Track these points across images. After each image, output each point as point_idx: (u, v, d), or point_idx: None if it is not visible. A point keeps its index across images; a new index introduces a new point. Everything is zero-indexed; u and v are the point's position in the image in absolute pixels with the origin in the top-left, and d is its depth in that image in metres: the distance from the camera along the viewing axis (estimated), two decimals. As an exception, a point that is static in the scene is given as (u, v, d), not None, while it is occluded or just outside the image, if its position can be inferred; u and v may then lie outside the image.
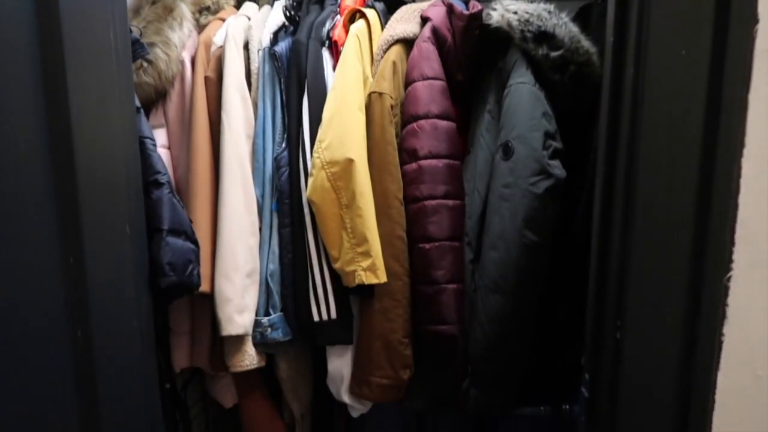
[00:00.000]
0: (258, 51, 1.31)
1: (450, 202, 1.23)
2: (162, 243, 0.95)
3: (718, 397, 0.74)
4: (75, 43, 0.65)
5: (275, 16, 1.36)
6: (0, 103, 0.56)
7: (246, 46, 1.33)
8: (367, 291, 1.24)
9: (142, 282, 0.87)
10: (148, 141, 0.97)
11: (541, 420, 1.35)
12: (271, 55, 1.29)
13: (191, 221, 1.10)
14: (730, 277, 0.71)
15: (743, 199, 0.66)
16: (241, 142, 1.26)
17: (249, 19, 1.36)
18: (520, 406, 1.34)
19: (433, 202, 1.22)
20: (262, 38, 1.32)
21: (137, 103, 0.94)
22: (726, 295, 0.71)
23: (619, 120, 0.74)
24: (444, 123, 1.24)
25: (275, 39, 1.32)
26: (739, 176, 0.65)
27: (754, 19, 0.61)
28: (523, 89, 1.21)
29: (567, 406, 1.32)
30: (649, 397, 0.74)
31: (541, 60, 1.22)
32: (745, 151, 0.64)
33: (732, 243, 0.70)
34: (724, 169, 0.65)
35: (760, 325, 0.72)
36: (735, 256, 0.70)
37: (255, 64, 1.32)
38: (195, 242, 1.06)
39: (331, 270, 1.26)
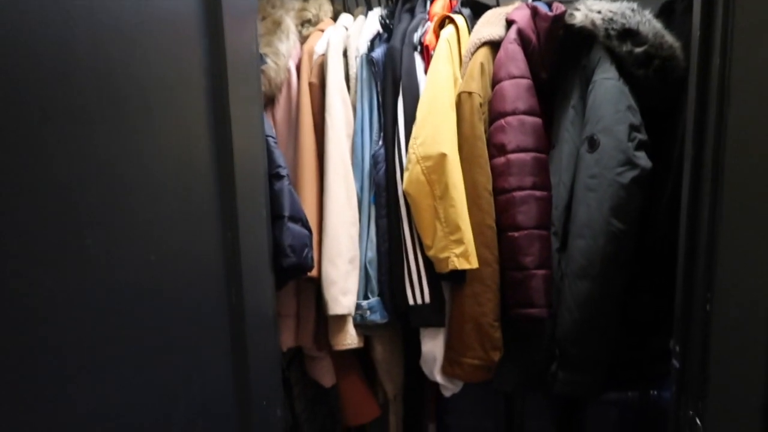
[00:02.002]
0: (356, 57, 1.44)
1: (537, 193, 1.31)
2: (284, 228, 1.09)
3: (809, 364, 0.78)
4: (234, 62, 0.79)
5: (370, 25, 1.49)
6: (182, 117, 0.71)
7: (345, 54, 1.46)
8: (459, 277, 1.34)
9: (271, 260, 1.01)
10: (270, 139, 1.12)
11: (628, 405, 1.39)
12: (368, 60, 1.42)
13: (301, 212, 1.24)
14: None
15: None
16: (343, 141, 1.40)
17: (346, 29, 1.50)
18: (607, 391, 1.39)
19: (522, 193, 1.30)
20: (359, 46, 1.45)
21: (261, 106, 1.08)
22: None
23: (707, 107, 0.80)
24: (531, 119, 1.32)
25: (371, 46, 1.44)
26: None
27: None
28: (607, 84, 1.27)
29: (655, 392, 1.36)
30: (740, 366, 0.79)
31: (624, 56, 1.28)
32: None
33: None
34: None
35: None
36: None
37: (353, 70, 1.44)
38: (309, 229, 1.19)
39: (425, 257, 1.36)
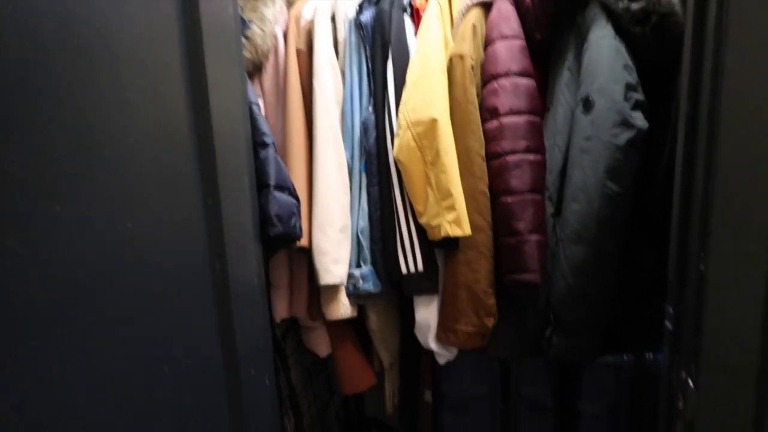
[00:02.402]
0: (344, 22, 1.40)
1: (531, 157, 1.28)
2: (270, 197, 1.06)
3: (804, 324, 0.76)
4: (209, 22, 0.75)
5: (359, -12, 1.44)
6: (156, 80, 0.67)
7: (333, 19, 1.41)
8: (451, 244, 1.32)
9: (256, 230, 0.99)
10: (254, 106, 1.08)
11: (624, 368, 1.38)
12: (357, 24, 1.37)
13: (290, 180, 1.21)
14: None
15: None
16: (332, 108, 1.36)
17: (334, -8, 1.45)
18: (602, 355, 1.39)
19: (515, 157, 1.27)
20: (347, 10, 1.41)
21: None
22: (813, 223, 0.74)
23: (702, 60, 0.77)
24: (524, 80, 1.29)
25: (360, 9, 1.40)
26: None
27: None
28: (603, 43, 1.23)
29: (650, 355, 1.36)
30: (735, 326, 0.77)
31: (621, 13, 1.23)
32: (833, 83, 0.66)
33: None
34: (810, 101, 0.67)
35: None
36: (823, 184, 0.72)
37: (342, 35, 1.40)
38: (296, 198, 1.17)
39: (417, 225, 1.34)
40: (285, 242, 1.16)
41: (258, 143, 1.07)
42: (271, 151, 1.09)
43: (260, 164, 1.07)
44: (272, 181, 1.08)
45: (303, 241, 1.29)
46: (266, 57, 1.41)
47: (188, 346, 0.74)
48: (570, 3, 1.34)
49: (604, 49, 1.23)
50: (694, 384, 0.80)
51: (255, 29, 1.36)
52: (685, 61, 0.83)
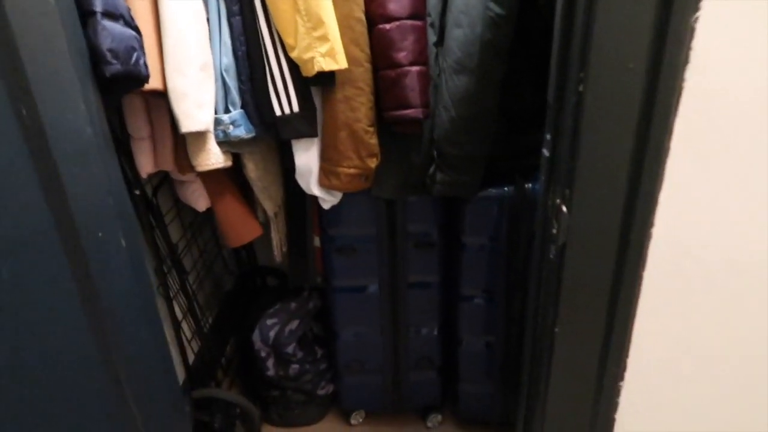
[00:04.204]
0: None
1: (411, -24, 1.14)
2: (98, 27, 0.87)
3: (673, 144, 0.76)
4: None
5: None
6: None
7: None
8: (328, 80, 1.20)
9: (83, 67, 0.81)
10: None
11: (505, 200, 1.41)
12: None
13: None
14: (697, 18, 0.69)
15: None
16: None
17: None
18: (485, 188, 1.40)
19: (393, -24, 1.13)
20: None
21: None
22: (691, 38, 0.70)
23: None
24: None
25: None
26: None
27: None
28: None
29: (529, 185, 1.39)
30: (610, 147, 0.76)
31: None
32: None
33: (704, -21, 0.67)
34: None
35: (723, 69, 0.72)
36: (705, -5, 0.68)
37: None
38: (135, 29, 0.97)
39: (289, 60, 1.19)
40: (129, 84, 0.98)
41: (71, -46, 0.85)
42: (91, -33, 0.87)
43: (79, -15, 0.85)
44: (98, 7, 0.87)
45: (155, 83, 1.11)
46: None
47: None
48: None
49: None
50: (567, 209, 0.80)
51: None
52: None
